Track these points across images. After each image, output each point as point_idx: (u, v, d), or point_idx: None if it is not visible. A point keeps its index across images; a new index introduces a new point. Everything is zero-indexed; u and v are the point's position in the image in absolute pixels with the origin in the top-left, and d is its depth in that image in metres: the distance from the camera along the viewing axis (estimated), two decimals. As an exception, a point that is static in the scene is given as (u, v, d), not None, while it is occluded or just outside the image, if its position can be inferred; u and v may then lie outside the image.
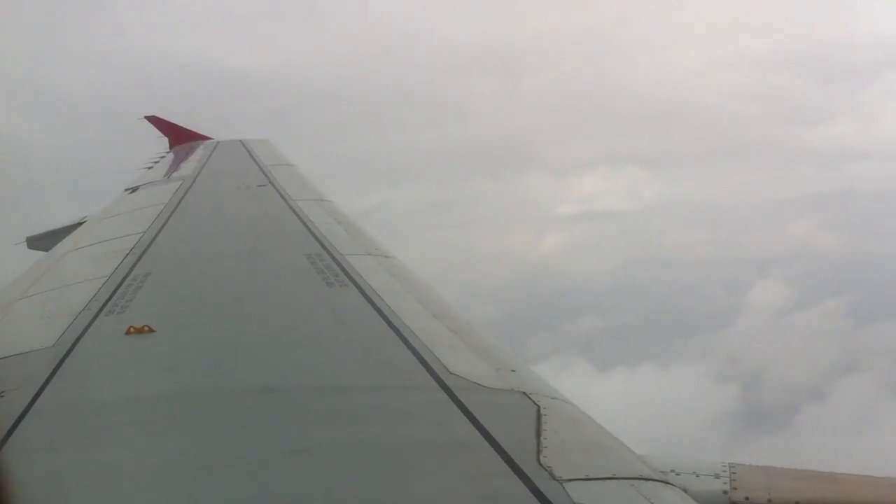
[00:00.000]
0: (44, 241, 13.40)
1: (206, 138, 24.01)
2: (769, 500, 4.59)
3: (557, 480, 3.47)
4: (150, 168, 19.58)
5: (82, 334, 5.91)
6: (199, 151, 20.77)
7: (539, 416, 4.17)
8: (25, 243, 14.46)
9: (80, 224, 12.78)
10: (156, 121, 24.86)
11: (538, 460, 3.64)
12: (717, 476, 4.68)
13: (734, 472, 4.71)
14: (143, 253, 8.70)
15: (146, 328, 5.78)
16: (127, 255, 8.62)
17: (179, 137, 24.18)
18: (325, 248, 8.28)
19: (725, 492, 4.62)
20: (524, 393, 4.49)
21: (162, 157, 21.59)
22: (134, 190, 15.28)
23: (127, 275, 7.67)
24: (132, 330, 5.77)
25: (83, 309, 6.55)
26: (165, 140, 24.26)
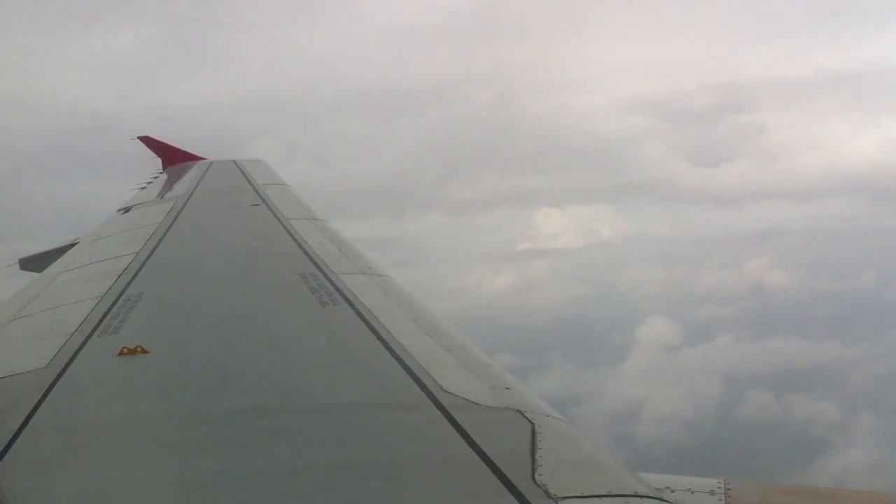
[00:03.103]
0: (36, 263, 13.37)
1: (199, 158, 24.02)
2: None
3: (553, 498, 3.46)
4: (143, 188, 19.58)
5: (75, 355, 5.88)
6: (193, 171, 20.77)
7: (534, 433, 4.16)
8: (18, 264, 14.43)
9: (72, 245, 12.76)
10: (148, 141, 24.87)
11: (533, 478, 3.63)
12: (712, 493, 4.66)
13: (729, 489, 4.69)
14: (137, 273, 8.68)
15: (139, 349, 5.76)
16: (120, 275, 8.59)
17: (172, 158, 24.19)
18: (318, 267, 8.28)
19: None
20: (519, 411, 4.48)
21: (155, 178, 21.59)
22: (127, 210, 15.26)
23: (120, 295, 7.65)
24: (125, 351, 5.75)
25: (76, 330, 6.53)
26: (158, 161, 24.28)
